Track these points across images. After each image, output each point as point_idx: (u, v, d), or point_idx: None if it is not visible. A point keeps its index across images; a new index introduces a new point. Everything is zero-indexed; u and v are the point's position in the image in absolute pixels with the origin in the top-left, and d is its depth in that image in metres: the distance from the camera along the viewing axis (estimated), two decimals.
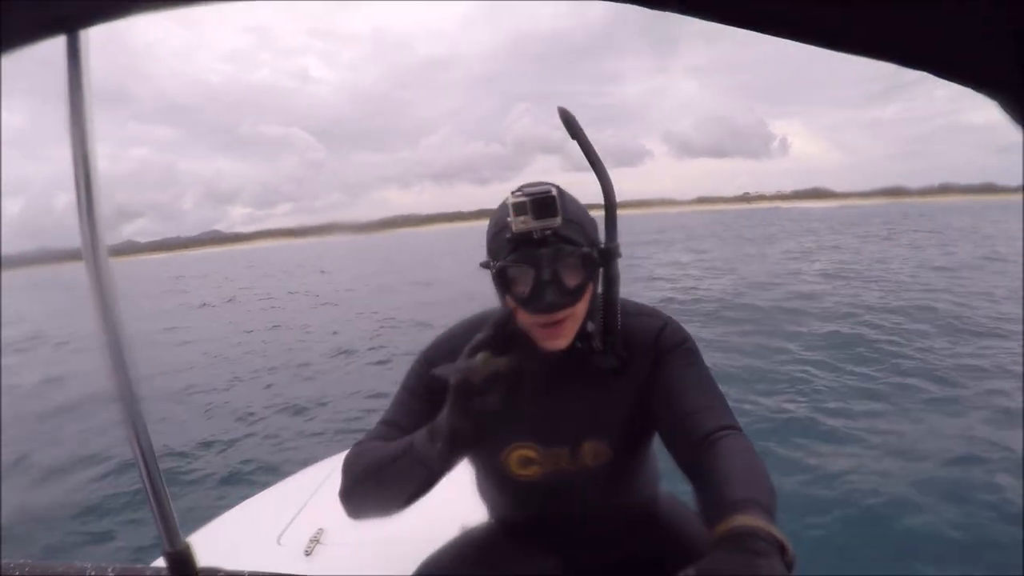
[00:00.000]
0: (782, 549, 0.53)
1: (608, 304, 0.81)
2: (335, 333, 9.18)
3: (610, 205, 0.80)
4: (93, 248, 0.60)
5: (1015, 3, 0.32)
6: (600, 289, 0.82)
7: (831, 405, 4.34)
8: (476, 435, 0.67)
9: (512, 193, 0.74)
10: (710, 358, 0.89)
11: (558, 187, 0.76)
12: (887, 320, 7.07)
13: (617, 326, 0.82)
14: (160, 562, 0.75)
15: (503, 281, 0.76)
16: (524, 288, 0.75)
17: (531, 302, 0.75)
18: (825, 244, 20.33)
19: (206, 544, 0.73)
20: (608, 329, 0.82)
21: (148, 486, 0.70)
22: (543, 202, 0.72)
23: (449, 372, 0.67)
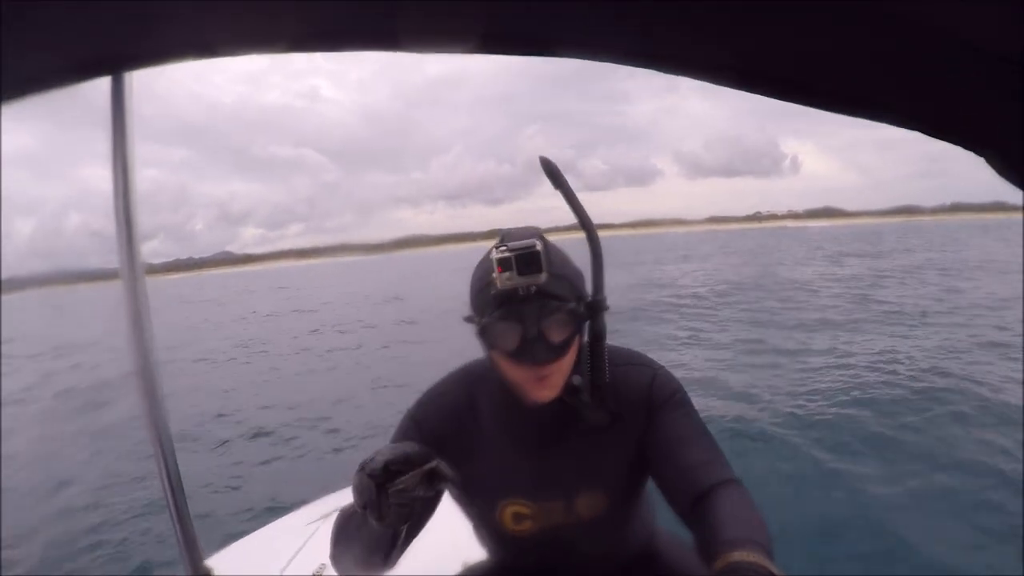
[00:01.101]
0: None
1: (595, 358, 0.80)
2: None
3: (597, 257, 0.79)
4: (132, 279, 0.61)
5: (996, 71, 0.34)
6: (587, 340, 0.81)
7: None
8: (398, 521, 0.67)
9: (495, 247, 0.73)
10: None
11: (543, 238, 0.75)
12: None
13: (605, 379, 0.81)
14: None
15: (489, 337, 0.76)
16: (510, 343, 0.75)
17: (517, 358, 0.75)
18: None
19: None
20: (596, 383, 0.81)
21: (173, 509, 0.72)
22: (528, 258, 0.71)
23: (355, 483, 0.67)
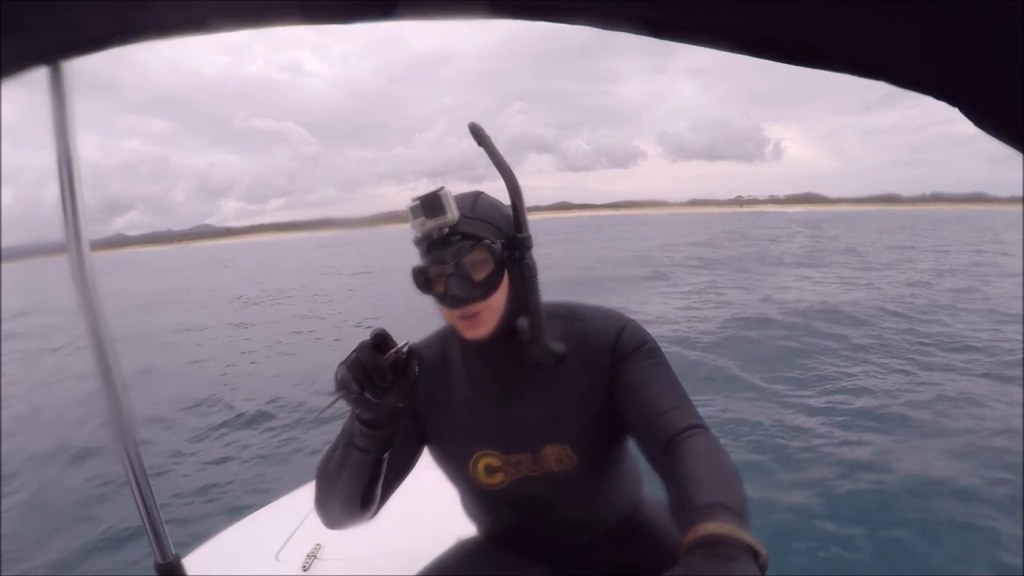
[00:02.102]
0: (755, 553, 0.55)
1: (527, 293, 0.82)
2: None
3: (515, 199, 0.82)
4: (81, 276, 0.61)
5: (969, 14, 0.33)
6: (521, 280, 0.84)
7: None
8: (386, 419, 0.73)
9: (411, 199, 0.79)
10: None
11: (478, 193, 0.83)
12: None
13: (539, 315, 0.82)
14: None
15: (419, 284, 0.81)
16: (440, 286, 0.80)
17: (444, 299, 0.80)
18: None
19: (205, 561, 0.74)
20: (532, 318, 0.82)
21: (139, 499, 0.71)
22: (431, 200, 0.77)
23: (338, 380, 0.70)
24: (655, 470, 0.79)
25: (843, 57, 0.40)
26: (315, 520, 0.85)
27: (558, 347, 0.83)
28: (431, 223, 0.77)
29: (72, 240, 0.59)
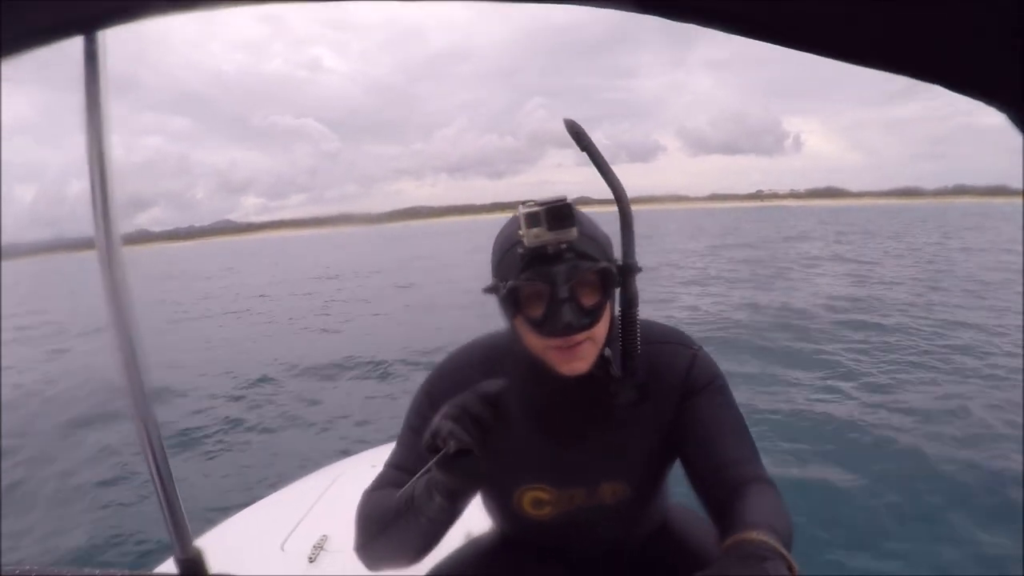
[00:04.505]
0: (789, 568, 0.56)
1: (627, 326, 0.73)
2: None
3: (626, 219, 0.72)
4: (107, 245, 0.60)
5: (1020, 20, 0.33)
6: (618, 310, 0.75)
7: None
8: (474, 488, 0.68)
9: (522, 204, 0.68)
10: None
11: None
12: None
13: (637, 351, 0.74)
14: (169, 567, 0.75)
15: (514, 302, 0.70)
16: (537, 310, 0.70)
17: (546, 324, 0.68)
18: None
19: (210, 550, 0.72)
20: (627, 354, 0.74)
21: (160, 490, 0.70)
22: (558, 211, 0.66)
23: (445, 432, 0.64)
24: (708, 511, 0.76)
25: (893, 57, 0.40)
26: (321, 510, 0.82)
27: (646, 386, 0.76)
28: (551, 236, 0.66)
29: (101, 228, 0.59)
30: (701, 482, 0.78)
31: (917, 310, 7.88)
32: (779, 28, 0.39)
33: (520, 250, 0.69)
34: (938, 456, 3.42)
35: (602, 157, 0.71)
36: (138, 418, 0.67)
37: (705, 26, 0.41)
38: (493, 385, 0.65)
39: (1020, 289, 9.47)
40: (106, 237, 0.59)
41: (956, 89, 0.39)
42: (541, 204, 0.66)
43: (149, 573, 0.81)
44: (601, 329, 0.72)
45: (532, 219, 0.66)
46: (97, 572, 0.71)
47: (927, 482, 3.14)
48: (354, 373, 6.37)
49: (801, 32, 0.39)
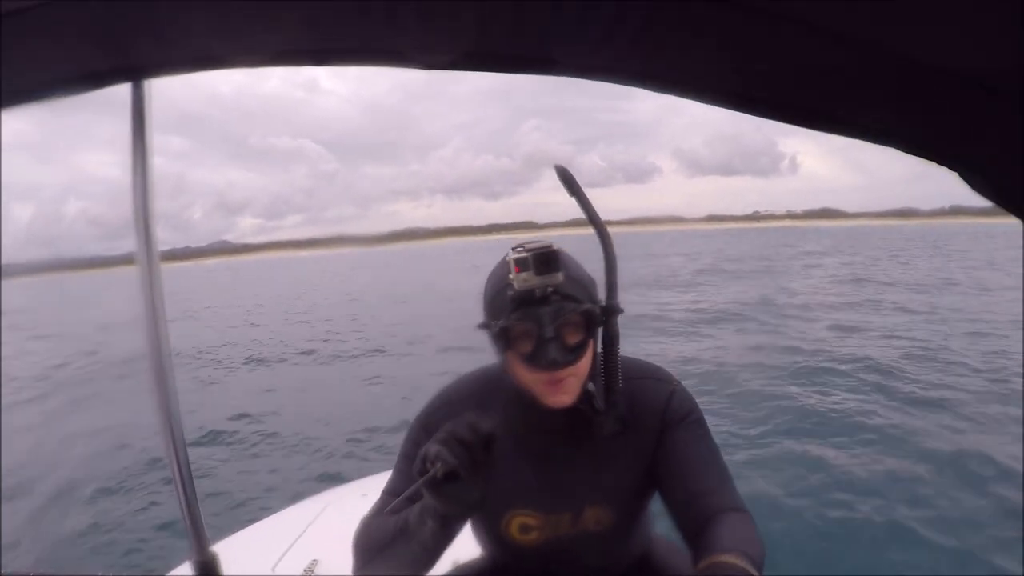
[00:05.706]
0: None
1: (609, 363, 0.80)
2: None
3: (611, 263, 0.79)
4: (150, 283, 0.65)
5: (967, 92, 0.37)
6: (600, 347, 0.81)
7: None
8: (466, 514, 0.71)
9: (512, 249, 0.75)
10: None
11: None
12: None
13: (618, 385, 0.80)
14: (183, 569, 0.78)
15: (504, 340, 0.77)
16: (526, 347, 0.75)
17: (534, 360, 0.74)
18: None
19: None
20: (609, 389, 0.80)
21: (181, 494, 0.74)
22: (545, 257, 0.72)
23: (432, 454, 0.67)
24: (684, 538, 0.80)
25: (846, 123, 0.44)
26: (312, 535, 0.84)
27: (627, 418, 0.82)
28: (538, 280, 0.72)
29: (143, 251, 0.63)
30: (677, 510, 0.82)
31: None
32: (738, 97, 0.45)
33: (510, 292, 0.75)
34: None
35: (590, 204, 0.78)
36: (166, 427, 0.72)
37: (688, 98, 0.47)
38: (487, 422, 0.68)
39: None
40: (148, 261, 0.65)
41: (907, 151, 0.43)
42: (529, 250, 0.73)
43: (165, 575, 0.85)
44: (584, 365, 0.78)
45: (521, 264, 0.72)
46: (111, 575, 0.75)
47: None
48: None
49: (760, 103, 0.45)
